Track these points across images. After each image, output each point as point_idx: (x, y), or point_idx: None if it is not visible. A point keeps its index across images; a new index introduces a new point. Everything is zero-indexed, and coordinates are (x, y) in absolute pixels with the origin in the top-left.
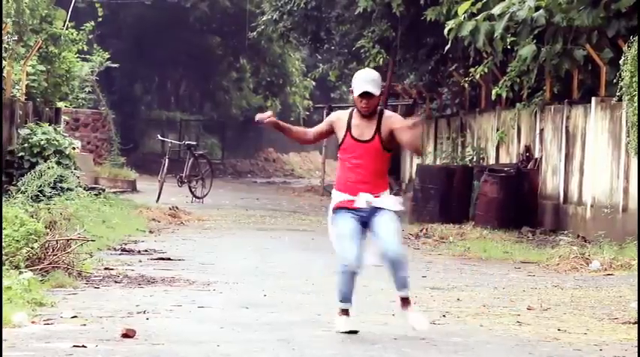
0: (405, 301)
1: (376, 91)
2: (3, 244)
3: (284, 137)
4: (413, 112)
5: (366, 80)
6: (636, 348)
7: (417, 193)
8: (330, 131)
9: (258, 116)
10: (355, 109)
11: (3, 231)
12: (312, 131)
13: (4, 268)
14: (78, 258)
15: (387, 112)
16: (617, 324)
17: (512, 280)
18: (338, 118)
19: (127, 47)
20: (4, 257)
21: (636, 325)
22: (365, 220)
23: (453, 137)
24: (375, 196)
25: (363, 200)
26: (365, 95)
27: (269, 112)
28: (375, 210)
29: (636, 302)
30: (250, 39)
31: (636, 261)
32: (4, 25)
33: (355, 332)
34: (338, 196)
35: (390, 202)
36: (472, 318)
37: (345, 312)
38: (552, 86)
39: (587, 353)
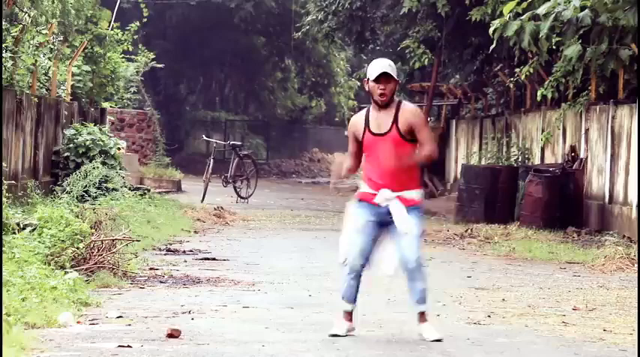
0: (422, 317)
1: (393, 74)
2: (49, 244)
3: (329, 137)
4: (458, 112)
5: (381, 65)
6: None
7: (462, 193)
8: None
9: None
10: (371, 104)
11: (49, 231)
12: (351, 157)
13: (49, 268)
14: (123, 258)
15: (406, 104)
16: None
17: (558, 280)
18: (355, 122)
19: (172, 47)
20: (49, 257)
21: None
22: (386, 219)
23: (498, 137)
24: (397, 192)
25: (382, 197)
26: (382, 78)
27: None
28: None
29: None
30: (295, 39)
31: None
32: (48, 26)
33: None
34: (362, 187)
35: (406, 218)
36: (517, 318)
37: (348, 316)
38: (598, 86)
39: (633, 354)
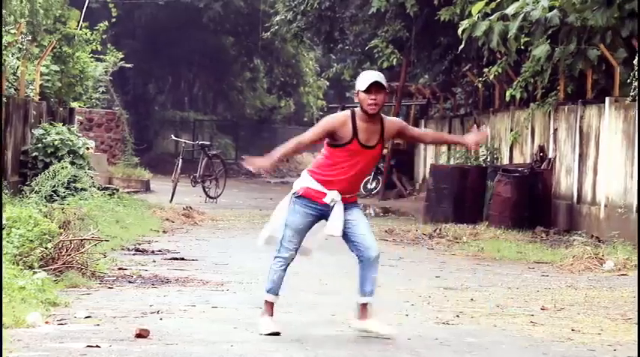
0: (367, 311)
1: (385, 84)
2: (17, 244)
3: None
4: (427, 112)
5: (372, 75)
6: None
7: (430, 193)
8: (328, 136)
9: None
10: (358, 111)
11: (17, 231)
12: (306, 141)
13: (18, 268)
14: (92, 258)
15: (387, 117)
16: (630, 324)
17: (526, 280)
18: (340, 124)
19: (141, 47)
20: (18, 257)
21: None
22: (325, 214)
23: None
24: (348, 200)
25: (331, 197)
26: (373, 88)
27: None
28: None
29: None
30: (264, 39)
31: None
32: (17, 25)
33: (278, 334)
34: (309, 182)
35: (340, 222)
36: (486, 318)
37: (271, 307)
38: (566, 86)
39: (601, 353)
